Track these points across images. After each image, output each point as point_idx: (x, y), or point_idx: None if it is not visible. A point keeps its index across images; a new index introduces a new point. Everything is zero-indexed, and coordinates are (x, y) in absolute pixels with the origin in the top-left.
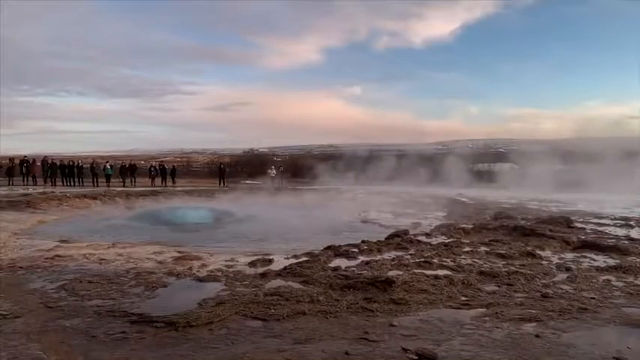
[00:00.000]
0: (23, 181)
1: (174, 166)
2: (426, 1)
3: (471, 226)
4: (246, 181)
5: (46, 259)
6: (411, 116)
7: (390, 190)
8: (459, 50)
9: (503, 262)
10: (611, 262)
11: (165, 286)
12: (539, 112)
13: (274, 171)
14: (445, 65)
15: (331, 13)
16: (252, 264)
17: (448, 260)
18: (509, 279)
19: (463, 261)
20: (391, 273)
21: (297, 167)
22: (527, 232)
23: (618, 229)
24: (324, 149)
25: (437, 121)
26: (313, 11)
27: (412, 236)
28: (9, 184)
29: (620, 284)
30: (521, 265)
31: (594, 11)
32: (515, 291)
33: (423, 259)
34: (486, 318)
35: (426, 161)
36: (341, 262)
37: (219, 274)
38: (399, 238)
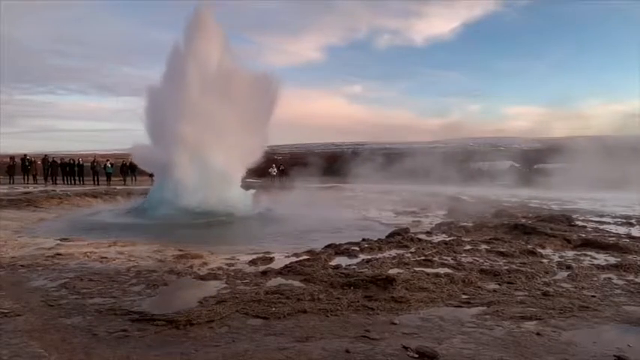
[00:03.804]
0: (24, 179)
1: None
2: (426, 0)
3: (471, 225)
4: (247, 180)
5: (47, 257)
6: (412, 114)
7: (391, 189)
8: (460, 48)
9: (504, 261)
10: (612, 260)
11: (166, 285)
12: (540, 110)
13: (275, 169)
14: (446, 63)
15: (332, 12)
16: (252, 262)
17: (449, 258)
18: (509, 277)
19: (464, 259)
20: (392, 271)
21: (297, 165)
22: (527, 230)
23: (619, 227)
24: (325, 148)
25: (437, 120)
26: (313, 9)
27: (413, 234)
28: (10, 183)
29: (621, 282)
30: (521, 263)
31: (595, 9)
32: (516, 289)
33: (423, 258)
34: (487, 316)
35: (427, 159)
36: (342, 261)
37: (220, 272)
38: (399, 237)
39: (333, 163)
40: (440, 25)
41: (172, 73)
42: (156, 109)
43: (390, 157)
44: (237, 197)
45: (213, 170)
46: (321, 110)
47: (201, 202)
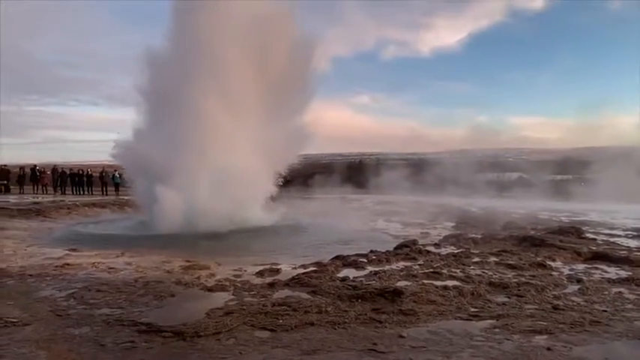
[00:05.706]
0: (33, 189)
1: None
2: (433, 11)
3: (480, 236)
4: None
5: (56, 267)
6: (419, 125)
7: (398, 200)
8: (467, 59)
9: (513, 273)
10: (623, 273)
11: (173, 296)
12: (547, 120)
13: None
14: (453, 74)
15: (338, 23)
16: (259, 274)
17: (457, 271)
18: (519, 290)
19: (472, 271)
20: (400, 283)
21: (303, 176)
22: (537, 242)
23: (630, 240)
24: (333, 158)
25: (445, 131)
26: (320, 21)
27: (421, 246)
28: (19, 193)
29: (633, 297)
30: (531, 276)
31: (602, 19)
32: (526, 302)
33: (431, 270)
34: (496, 330)
35: (435, 170)
36: (349, 272)
37: (227, 283)
38: (407, 249)
39: (339, 173)
40: (446, 36)
41: (183, 23)
42: (159, 80)
43: (397, 168)
44: (255, 218)
45: (234, 181)
46: (329, 121)
47: (212, 224)
